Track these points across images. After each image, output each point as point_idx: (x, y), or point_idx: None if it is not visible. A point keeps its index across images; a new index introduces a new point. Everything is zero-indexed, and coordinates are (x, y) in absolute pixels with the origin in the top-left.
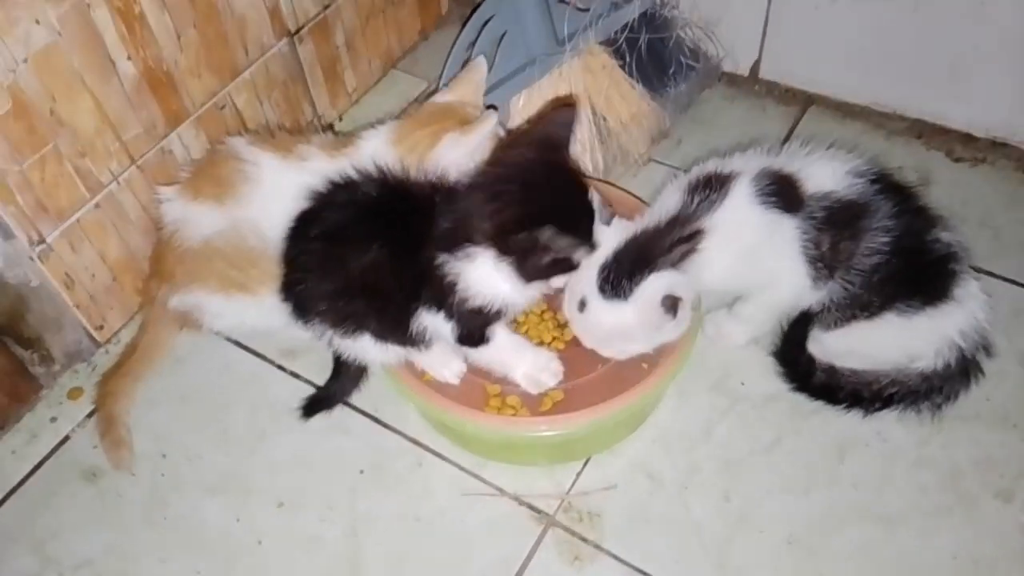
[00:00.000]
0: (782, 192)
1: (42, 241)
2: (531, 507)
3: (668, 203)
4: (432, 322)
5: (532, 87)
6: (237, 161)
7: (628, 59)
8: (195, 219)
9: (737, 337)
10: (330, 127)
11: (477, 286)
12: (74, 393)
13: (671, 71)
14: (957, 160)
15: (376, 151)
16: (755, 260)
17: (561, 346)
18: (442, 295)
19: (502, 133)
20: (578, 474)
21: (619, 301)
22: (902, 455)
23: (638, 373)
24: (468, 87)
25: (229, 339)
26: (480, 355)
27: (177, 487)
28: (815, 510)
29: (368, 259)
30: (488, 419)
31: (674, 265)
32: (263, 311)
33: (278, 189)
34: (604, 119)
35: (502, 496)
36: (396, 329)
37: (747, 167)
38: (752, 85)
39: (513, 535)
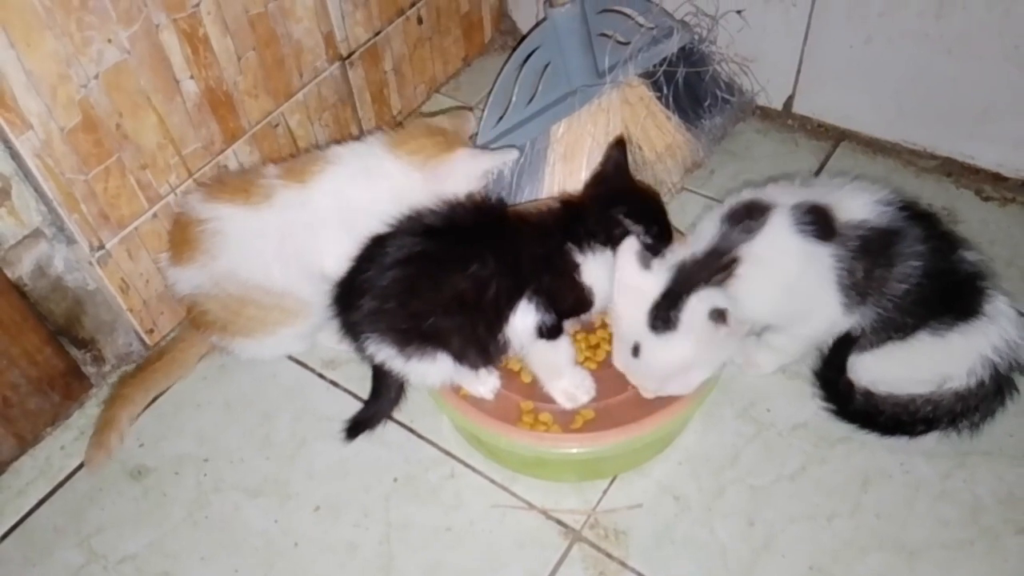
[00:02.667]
0: (818, 222)
1: (101, 247)
2: (559, 522)
3: (705, 234)
4: (521, 321)
5: (572, 116)
6: (197, 222)
7: (665, 91)
8: (179, 279)
9: (765, 366)
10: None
11: (591, 274)
12: None
13: (706, 104)
14: (986, 199)
15: (367, 161)
16: (794, 291)
17: (593, 366)
18: (558, 280)
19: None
20: (604, 491)
21: (670, 333)
22: (925, 487)
23: (667, 396)
24: (455, 128)
25: None
26: (543, 353)
27: (219, 488)
28: (837, 538)
29: (467, 276)
30: (521, 434)
31: (711, 284)
32: (270, 347)
33: (248, 239)
34: (640, 149)
35: (531, 510)
36: (479, 344)
37: (782, 198)
38: (785, 119)
39: (540, 548)
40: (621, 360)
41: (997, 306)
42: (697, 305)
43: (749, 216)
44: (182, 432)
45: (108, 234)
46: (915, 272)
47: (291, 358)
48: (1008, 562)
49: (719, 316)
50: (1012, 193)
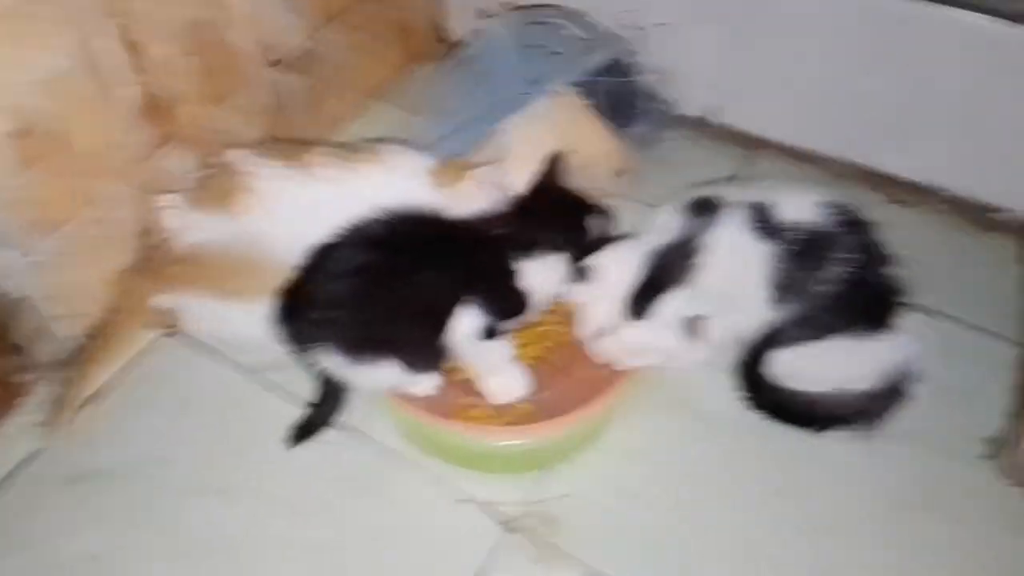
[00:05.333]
0: (763, 219)
1: (34, 253)
2: (497, 512)
3: (670, 225)
4: (463, 324)
5: (507, 124)
6: (243, 173)
7: (595, 100)
8: (195, 227)
9: (690, 360)
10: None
11: (531, 279)
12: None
13: (634, 113)
14: (893, 203)
15: (411, 171)
16: (735, 284)
17: (529, 361)
18: (498, 286)
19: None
20: (542, 482)
21: (640, 322)
22: (837, 471)
23: (599, 388)
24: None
25: (213, 350)
26: (480, 353)
27: (161, 491)
28: (761, 521)
29: (411, 285)
30: (460, 429)
31: (684, 283)
32: (246, 320)
33: (283, 202)
34: (572, 155)
35: (470, 502)
36: (425, 349)
37: (734, 196)
38: (708, 128)
39: (479, 538)
40: (583, 332)
41: (906, 320)
42: (671, 303)
43: (706, 210)
44: (124, 436)
45: (41, 240)
46: (841, 277)
47: (229, 360)
48: (912, 536)
49: (696, 328)
50: (917, 197)
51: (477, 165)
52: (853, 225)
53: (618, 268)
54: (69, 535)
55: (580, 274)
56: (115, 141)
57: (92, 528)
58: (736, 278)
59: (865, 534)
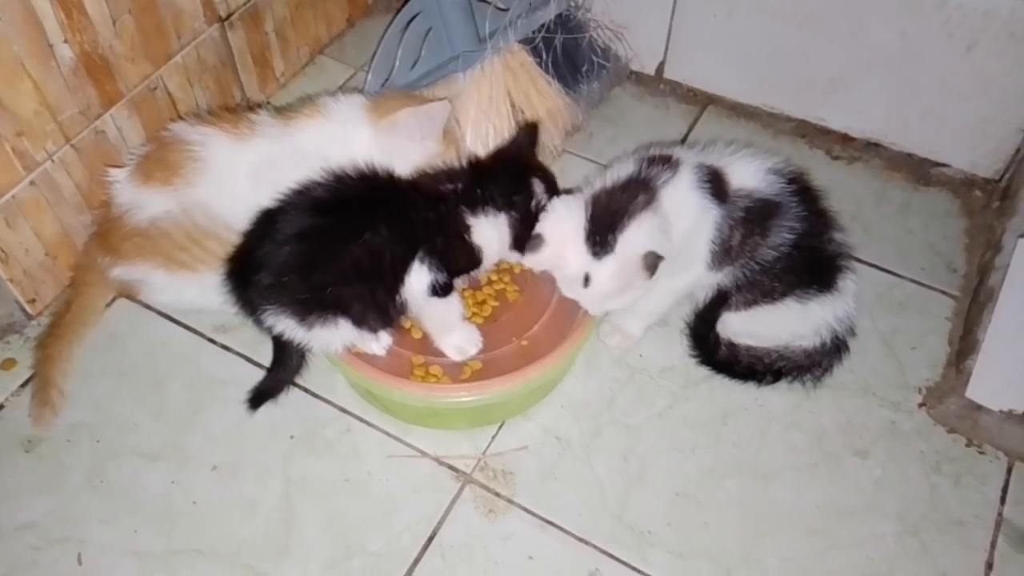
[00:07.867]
0: (714, 182)
1: None
2: (451, 467)
3: (622, 171)
4: (415, 281)
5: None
6: (185, 144)
7: (544, 57)
8: (144, 201)
9: (636, 331)
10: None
11: (481, 235)
12: (7, 364)
13: (584, 69)
14: (835, 158)
15: (348, 114)
16: (684, 242)
17: (480, 321)
18: (449, 242)
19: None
20: (493, 437)
21: (609, 255)
22: (776, 419)
23: (548, 346)
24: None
25: (165, 315)
26: (435, 310)
27: (115, 455)
28: (700, 466)
29: (361, 245)
30: (414, 387)
31: (646, 207)
32: (203, 288)
33: (227, 167)
34: (522, 112)
35: (424, 458)
36: (378, 308)
37: (688, 156)
38: (657, 84)
39: (434, 492)
40: (568, 292)
41: (847, 283)
42: (637, 231)
43: (662, 163)
44: (75, 401)
45: None
46: (787, 243)
47: (182, 324)
48: (847, 480)
49: (652, 263)
50: (858, 153)
51: (412, 96)
52: (802, 193)
53: (568, 218)
54: (24, 497)
55: (533, 244)
56: (55, 102)
57: (47, 491)
58: (683, 238)
59: (802, 479)
